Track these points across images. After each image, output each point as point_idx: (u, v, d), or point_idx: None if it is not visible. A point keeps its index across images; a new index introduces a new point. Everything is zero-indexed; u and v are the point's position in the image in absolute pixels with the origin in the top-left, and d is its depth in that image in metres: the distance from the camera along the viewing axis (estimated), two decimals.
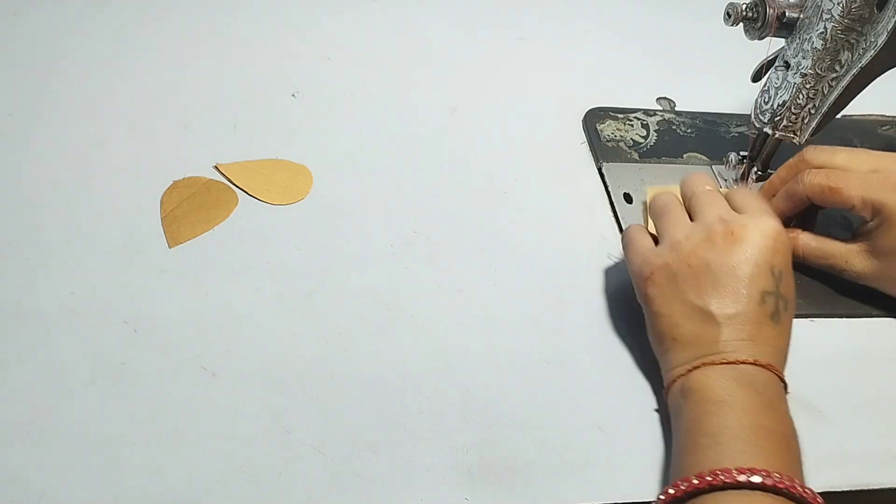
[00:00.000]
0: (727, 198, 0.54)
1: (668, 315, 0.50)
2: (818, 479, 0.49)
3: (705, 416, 0.45)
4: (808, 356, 0.56)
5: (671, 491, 0.42)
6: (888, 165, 0.56)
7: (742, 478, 0.40)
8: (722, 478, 0.41)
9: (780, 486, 0.40)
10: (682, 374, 0.48)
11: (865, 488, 0.50)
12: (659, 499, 0.43)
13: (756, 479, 0.40)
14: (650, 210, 0.57)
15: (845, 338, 0.58)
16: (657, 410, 0.52)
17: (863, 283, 0.58)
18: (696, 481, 0.41)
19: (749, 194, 0.54)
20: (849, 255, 0.57)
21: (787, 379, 0.55)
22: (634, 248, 0.54)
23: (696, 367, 0.48)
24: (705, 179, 0.56)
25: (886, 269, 0.56)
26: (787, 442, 0.44)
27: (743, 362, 0.47)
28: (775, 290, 0.49)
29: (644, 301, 0.52)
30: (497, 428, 0.49)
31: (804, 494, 0.41)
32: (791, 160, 0.59)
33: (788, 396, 0.54)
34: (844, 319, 0.59)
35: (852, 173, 0.56)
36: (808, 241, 0.58)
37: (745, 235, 0.50)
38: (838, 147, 0.58)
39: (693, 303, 0.49)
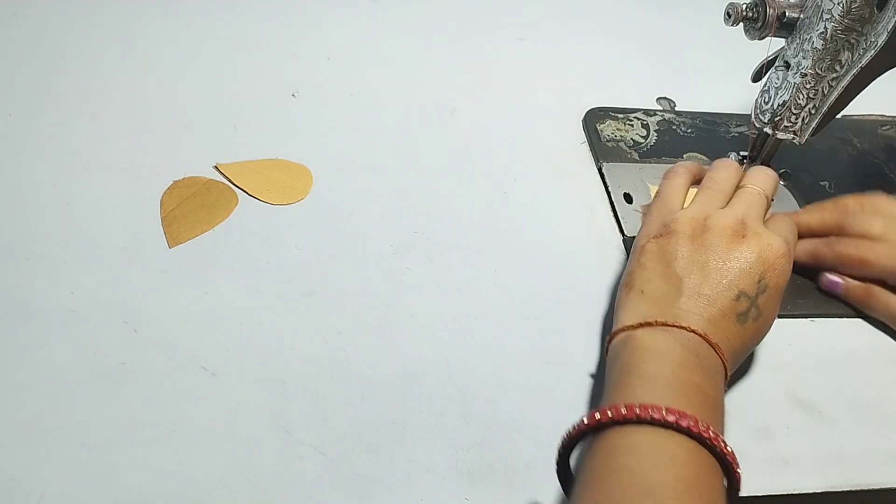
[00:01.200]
0: (773, 218, 0.56)
1: (649, 269, 0.52)
2: (818, 479, 0.50)
3: (641, 362, 0.46)
4: (808, 356, 0.57)
5: (597, 416, 0.42)
6: None
7: (671, 417, 0.41)
8: (651, 413, 0.41)
9: (705, 435, 0.41)
10: (632, 327, 0.49)
11: (865, 488, 0.50)
12: (582, 421, 0.42)
13: (684, 422, 0.41)
14: (711, 168, 0.58)
15: (845, 338, 0.58)
16: None
17: None
18: (624, 410, 0.41)
19: (788, 221, 0.56)
20: None
21: (786, 379, 0.55)
22: (662, 202, 0.56)
23: (647, 324, 0.48)
24: (768, 181, 0.56)
25: None
26: (715, 404, 0.45)
27: (693, 331, 0.47)
28: (753, 296, 0.50)
29: (638, 251, 0.53)
30: (497, 428, 0.49)
31: (725, 451, 0.41)
32: (829, 205, 0.60)
33: (787, 396, 0.54)
34: (844, 319, 0.59)
35: (883, 244, 0.57)
36: (880, 297, 0.58)
37: (752, 241, 0.51)
38: (877, 212, 0.58)
39: (675, 270, 0.51)
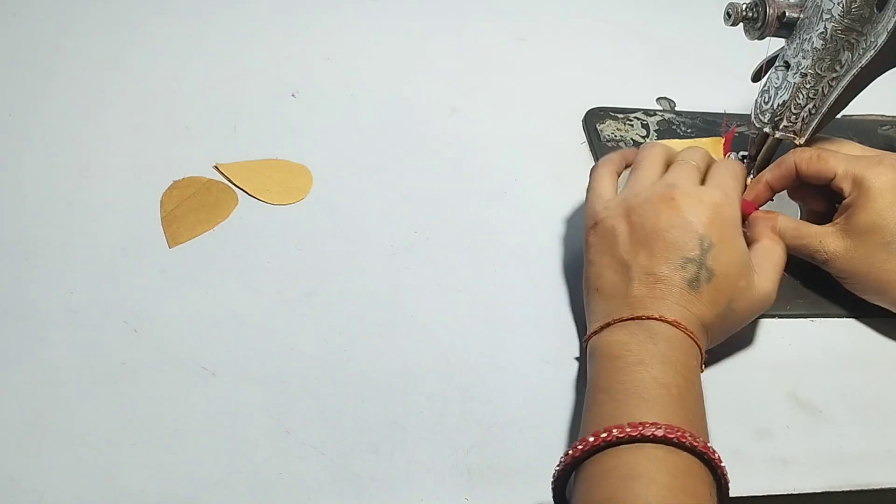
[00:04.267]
0: (711, 169, 0.56)
1: (597, 265, 0.52)
2: (818, 479, 0.50)
3: (603, 373, 0.46)
4: (808, 356, 0.57)
5: (570, 452, 0.43)
6: (876, 153, 0.57)
7: (634, 432, 0.41)
8: (615, 433, 0.41)
9: (671, 435, 0.41)
10: (596, 332, 0.49)
11: (865, 488, 0.50)
12: (560, 461, 0.43)
13: (647, 431, 0.41)
14: (640, 151, 0.58)
15: (845, 338, 0.58)
16: None
17: (830, 268, 0.57)
18: (591, 439, 0.42)
19: (727, 172, 0.55)
20: (823, 235, 0.56)
21: (786, 379, 0.55)
22: (593, 193, 0.56)
23: (607, 325, 0.49)
24: (699, 154, 0.56)
25: (856, 251, 0.55)
26: (680, 393, 0.45)
27: (648, 318, 0.47)
28: (699, 258, 0.49)
29: (584, 248, 0.54)
30: (497, 428, 0.49)
31: (695, 444, 0.41)
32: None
33: (787, 396, 0.54)
34: (844, 319, 0.59)
35: (841, 153, 0.57)
36: (786, 222, 0.58)
37: (683, 203, 0.51)
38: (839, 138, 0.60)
39: (620, 256, 0.51)
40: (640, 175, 0.55)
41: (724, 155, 0.64)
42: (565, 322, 0.56)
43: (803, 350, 0.57)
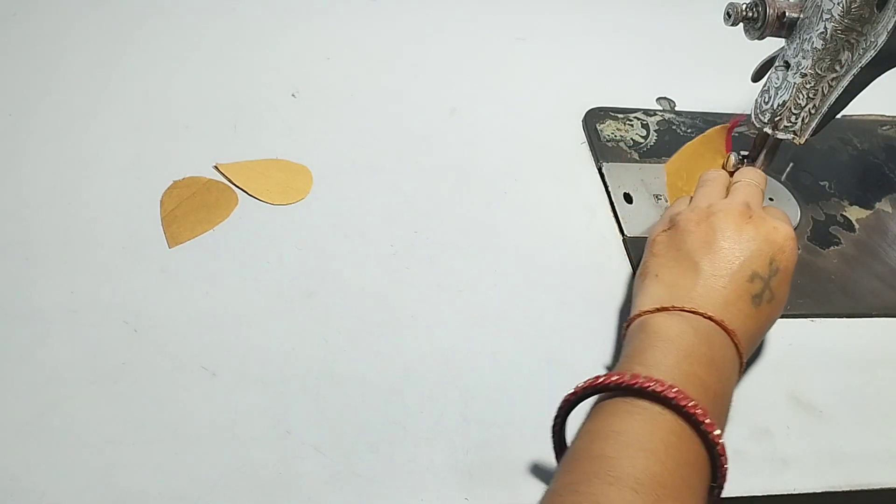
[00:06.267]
0: (767, 207, 0.56)
1: (661, 256, 0.52)
2: (818, 479, 0.50)
3: (650, 349, 0.45)
4: (809, 356, 0.57)
5: (601, 379, 0.42)
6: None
7: (671, 393, 0.40)
8: (652, 386, 0.41)
9: (701, 418, 0.40)
10: (649, 312, 0.49)
11: (865, 488, 0.50)
12: (585, 382, 0.43)
13: (684, 402, 0.40)
14: (703, 176, 0.59)
15: (845, 338, 0.58)
16: None
17: None
18: (629, 378, 0.41)
19: (783, 212, 0.56)
20: None
21: (786, 379, 0.55)
22: (671, 208, 0.58)
23: (664, 309, 0.48)
24: (759, 176, 0.58)
25: None
26: (716, 398, 0.44)
27: (710, 318, 0.47)
28: (766, 277, 0.50)
29: (649, 245, 0.55)
30: (497, 428, 0.49)
31: (717, 441, 0.41)
32: None
33: (787, 396, 0.54)
34: (844, 319, 0.59)
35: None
36: None
37: (760, 224, 0.52)
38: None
39: (689, 253, 0.51)
40: (709, 191, 0.56)
41: (726, 154, 0.64)
42: (565, 322, 0.56)
43: (803, 350, 0.57)
